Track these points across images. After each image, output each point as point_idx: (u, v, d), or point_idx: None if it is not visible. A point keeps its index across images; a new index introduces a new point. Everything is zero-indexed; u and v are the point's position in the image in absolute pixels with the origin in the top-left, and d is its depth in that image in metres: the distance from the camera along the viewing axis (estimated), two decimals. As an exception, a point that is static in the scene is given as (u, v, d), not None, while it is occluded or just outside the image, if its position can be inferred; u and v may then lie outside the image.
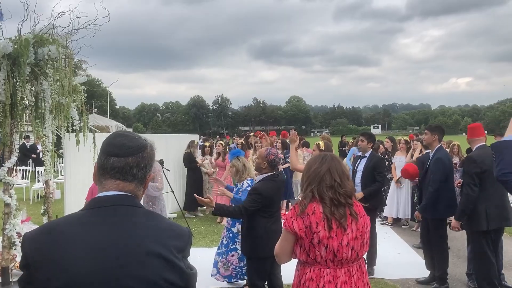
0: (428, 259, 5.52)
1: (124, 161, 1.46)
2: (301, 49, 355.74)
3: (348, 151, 12.68)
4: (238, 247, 5.07)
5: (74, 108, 4.88)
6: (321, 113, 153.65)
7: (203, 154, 10.14)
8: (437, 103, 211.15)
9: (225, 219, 8.71)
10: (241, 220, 5.09)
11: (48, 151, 4.79)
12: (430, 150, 5.58)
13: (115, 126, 33.79)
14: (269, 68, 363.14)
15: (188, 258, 1.46)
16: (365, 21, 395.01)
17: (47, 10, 4.74)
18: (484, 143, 4.93)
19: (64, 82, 4.66)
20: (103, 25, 4.82)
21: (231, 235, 5.34)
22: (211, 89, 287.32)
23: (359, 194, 5.45)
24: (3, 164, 4.47)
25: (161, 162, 7.65)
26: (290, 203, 9.40)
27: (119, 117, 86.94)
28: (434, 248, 5.37)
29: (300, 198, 2.56)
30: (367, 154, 5.84)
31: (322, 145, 5.58)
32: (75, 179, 7.14)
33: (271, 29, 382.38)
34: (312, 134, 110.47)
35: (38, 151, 14.87)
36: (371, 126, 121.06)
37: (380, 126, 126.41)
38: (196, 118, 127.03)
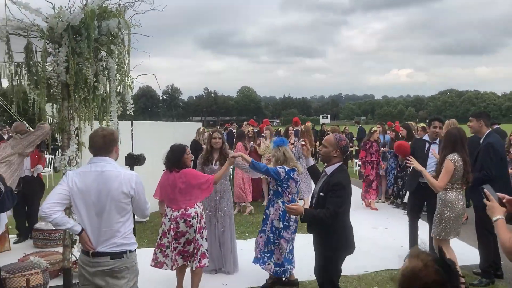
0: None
1: None
2: (248, 40, 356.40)
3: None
4: (267, 229, 4.84)
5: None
6: (272, 103, 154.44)
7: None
8: (381, 94, 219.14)
9: (248, 208, 8.34)
10: (272, 202, 4.84)
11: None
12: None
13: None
14: (216, 58, 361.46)
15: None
16: (310, 13, 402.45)
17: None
18: None
19: (125, 60, 4.19)
20: None
21: (264, 217, 5.02)
22: (158, 78, 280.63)
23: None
24: (63, 153, 3.93)
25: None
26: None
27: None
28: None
29: None
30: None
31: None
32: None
33: (218, 19, 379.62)
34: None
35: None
36: (320, 116, 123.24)
37: (328, 116, 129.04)
38: (146, 108, 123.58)
